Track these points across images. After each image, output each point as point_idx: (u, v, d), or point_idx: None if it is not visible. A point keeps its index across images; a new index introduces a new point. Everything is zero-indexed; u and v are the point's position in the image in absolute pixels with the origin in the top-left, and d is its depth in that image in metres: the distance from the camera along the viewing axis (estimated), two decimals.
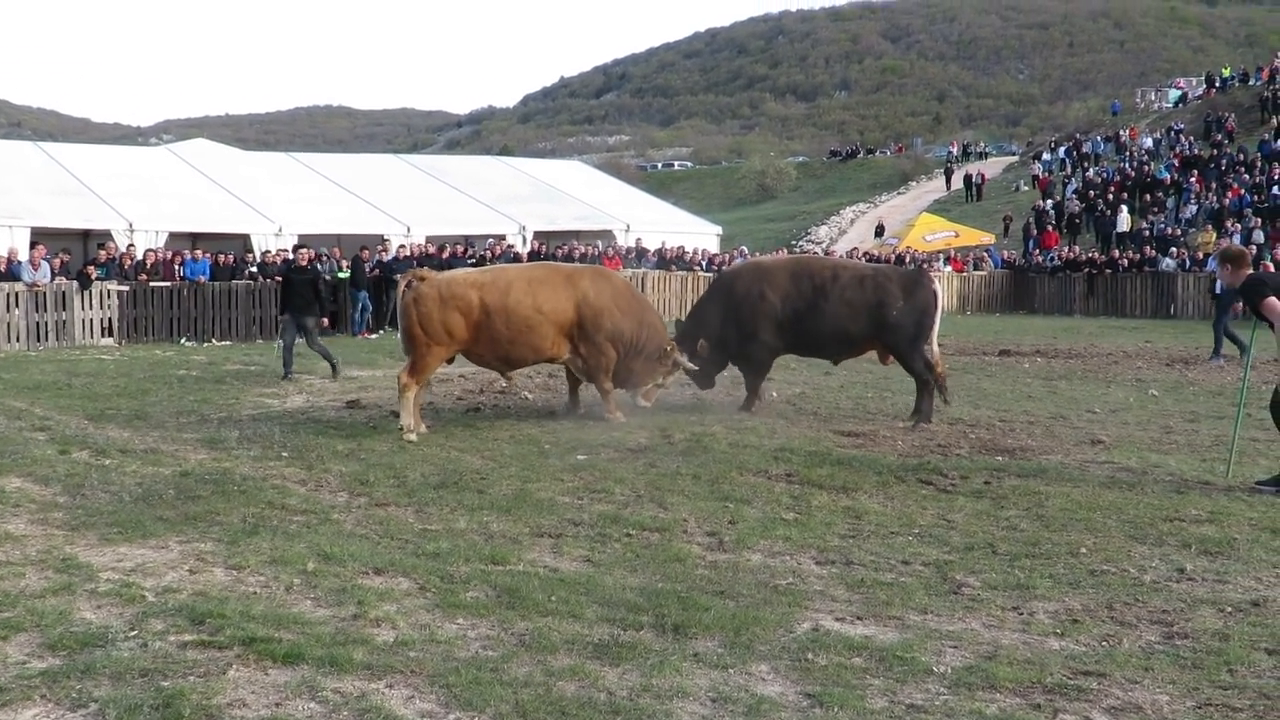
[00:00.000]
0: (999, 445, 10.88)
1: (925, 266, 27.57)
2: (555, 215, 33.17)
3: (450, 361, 12.22)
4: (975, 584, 6.33)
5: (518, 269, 12.88)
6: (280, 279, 18.70)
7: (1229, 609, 5.90)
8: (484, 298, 11.52)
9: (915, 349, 12.41)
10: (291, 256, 18.54)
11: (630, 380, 12.45)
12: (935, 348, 12.65)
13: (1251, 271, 8.83)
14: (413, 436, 11.00)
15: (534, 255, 28.22)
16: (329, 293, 18.27)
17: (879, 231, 37.23)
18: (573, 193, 35.43)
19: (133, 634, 5.38)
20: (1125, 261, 33.87)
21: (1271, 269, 21.71)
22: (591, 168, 48.41)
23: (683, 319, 13.89)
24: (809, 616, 5.76)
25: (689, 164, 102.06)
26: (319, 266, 19.57)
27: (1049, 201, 45.79)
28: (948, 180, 62.69)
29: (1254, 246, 31.94)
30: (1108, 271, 33.83)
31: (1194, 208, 39.70)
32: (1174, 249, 34.02)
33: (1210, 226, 36.52)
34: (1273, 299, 8.58)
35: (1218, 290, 19.96)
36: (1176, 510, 8.08)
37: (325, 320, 17.20)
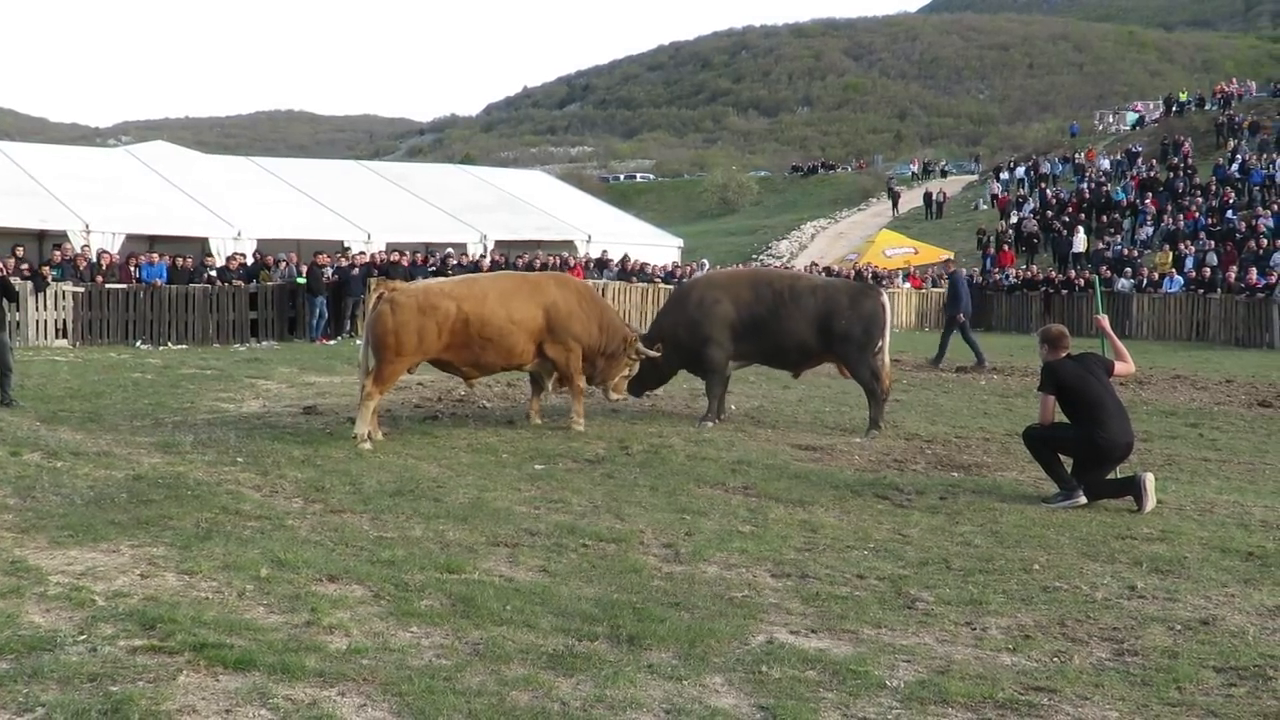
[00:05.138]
0: (955, 461, 10.95)
1: (879, 283, 28.15)
2: (517, 225, 33.11)
3: (411, 370, 12.20)
4: (929, 599, 6.36)
5: (488, 279, 13.16)
6: None
7: (1179, 627, 5.96)
8: (461, 307, 11.61)
9: (863, 358, 12.71)
10: None
11: (597, 376, 12.80)
12: (887, 359, 12.98)
13: (1058, 358, 9.22)
14: (367, 445, 10.90)
15: (495, 266, 28.15)
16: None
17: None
18: (535, 203, 35.38)
19: (82, 638, 5.32)
20: (1081, 281, 34.17)
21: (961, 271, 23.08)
22: (554, 178, 48.33)
23: (645, 330, 14.07)
24: (764, 629, 5.77)
25: (651, 176, 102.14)
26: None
27: (1012, 219, 46.17)
28: (894, 202, 62.53)
29: (1208, 269, 32.45)
30: (1064, 291, 34.15)
31: (1150, 229, 40.14)
32: (1129, 269, 34.40)
33: (1166, 248, 36.93)
34: (1049, 399, 9.21)
35: (945, 306, 22.20)
36: (1128, 528, 8.16)
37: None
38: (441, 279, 14.05)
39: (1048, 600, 6.38)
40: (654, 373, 13.40)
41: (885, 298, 13.18)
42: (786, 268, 35.18)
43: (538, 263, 28.84)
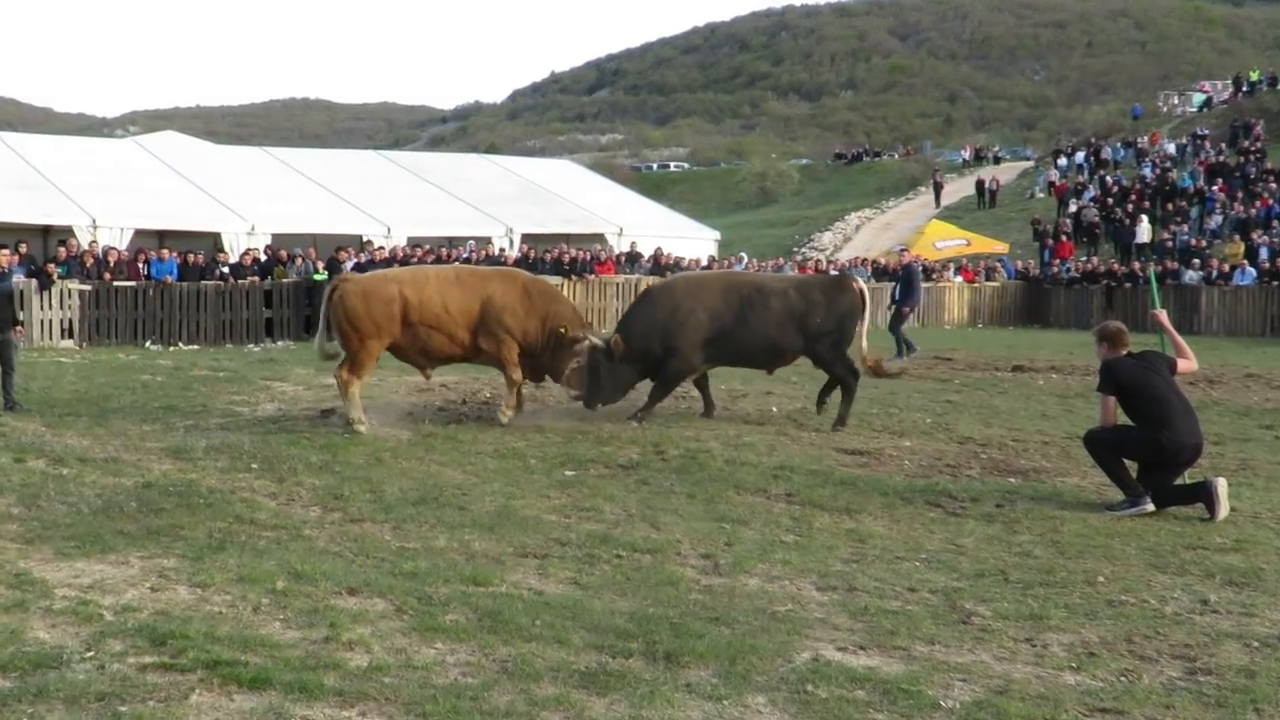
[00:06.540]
0: (1012, 466, 10.89)
1: (849, 271, 29.02)
2: (544, 218, 33.19)
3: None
4: (986, 613, 6.32)
5: (435, 269, 14.64)
6: None
7: (1255, 644, 5.90)
8: (403, 291, 12.61)
9: (837, 354, 13.28)
10: None
11: (553, 371, 13.20)
12: (864, 345, 13.46)
13: (1117, 356, 9.21)
14: (362, 428, 12.01)
15: (521, 260, 28.22)
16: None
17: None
18: (563, 194, 35.44)
19: (89, 655, 5.35)
20: (1145, 273, 33.90)
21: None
22: (583, 168, 48.45)
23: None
24: (809, 645, 5.75)
25: (685, 165, 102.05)
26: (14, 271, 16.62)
27: (1071, 208, 45.89)
28: (937, 194, 61.94)
29: None
30: (1126, 284, 33.89)
31: (1219, 218, 39.79)
32: (1197, 261, 34.11)
33: (1237, 238, 36.59)
34: (1110, 400, 9.15)
35: (896, 296, 23.42)
36: (1200, 538, 8.08)
37: (19, 330, 14.58)
38: (392, 268, 14.91)
39: (1113, 615, 6.33)
40: (613, 381, 13.19)
41: (862, 286, 13.69)
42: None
43: (565, 257, 28.89)
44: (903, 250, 28.55)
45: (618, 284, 29.14)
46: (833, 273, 27.30)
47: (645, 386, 13.55)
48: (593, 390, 13.04)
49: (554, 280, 27.50)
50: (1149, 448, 8.95)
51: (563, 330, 12.81)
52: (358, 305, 12.48)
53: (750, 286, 13.60)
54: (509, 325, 12.77)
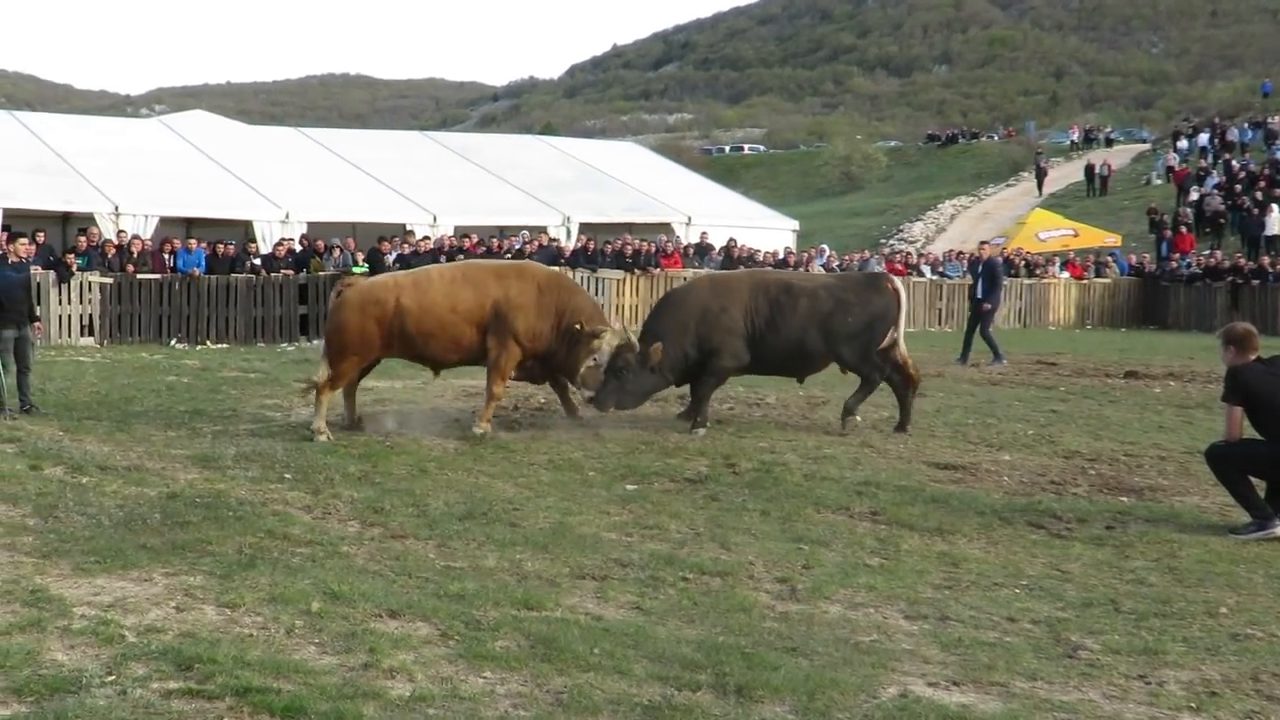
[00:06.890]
0: (1124, 484, 10.80)
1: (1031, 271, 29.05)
2: (605, 205, 33.15)
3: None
4: (1094, 647, 6.27)
5: (438, 268, 14.61)
6: None
7: None
8: (400, 299, 12.74)
9: (863, 356, 13.45)
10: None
11: (568, 368, 13.19)
12: (904, 349, 13.60)
13: (1246, 362, 9.13)
14: (323, 438, 12.10)
15: (581, 250, 28.26)
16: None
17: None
18: (625, 179, 35.40)
19: (110, 679, 5.42)
20: (1276, 269, 33.43)
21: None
22: (648, 150, 48.46)
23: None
24: (896, 680, 5.73)
25: (761, 148, 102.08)
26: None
27: (1192, 195, 45.36)
28: (1039, 180, 61.41)
29: None
30: (1255, 281, 33.42)
31: None
32: None
33: None
34: (1236, 411, 9.05)
35: (979, 295, 22.85)
36: None
37: (38, 327, 14.86)
38: (400, 272, 15.59)
39: (1238, 650, 6.27)
40: (637, 387, 13.18)
41: (898, 286, 13.81)
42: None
43: (628, 249, 28.93)
44: (983, 244, 28.34)
45: (685, 279, 29.08)
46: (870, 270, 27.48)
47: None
48: (610, 391, 12.94)
49: (616, 274, 27.69)
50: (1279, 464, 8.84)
51: (579, 326, 12.81)
52: (350, 318, 12.78)
53: (779, 286, 13.66)
54: (518, 328, 12.83)
